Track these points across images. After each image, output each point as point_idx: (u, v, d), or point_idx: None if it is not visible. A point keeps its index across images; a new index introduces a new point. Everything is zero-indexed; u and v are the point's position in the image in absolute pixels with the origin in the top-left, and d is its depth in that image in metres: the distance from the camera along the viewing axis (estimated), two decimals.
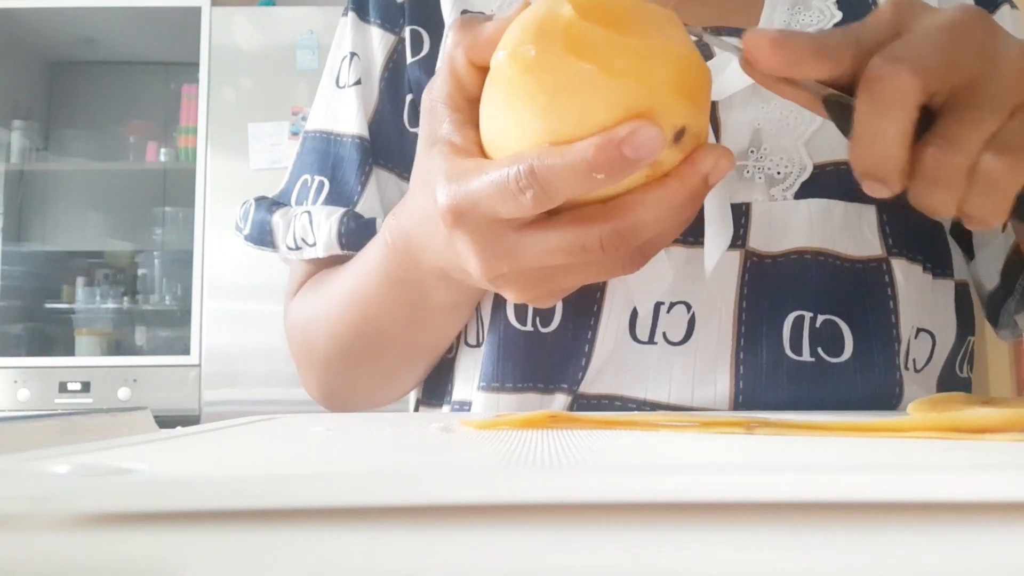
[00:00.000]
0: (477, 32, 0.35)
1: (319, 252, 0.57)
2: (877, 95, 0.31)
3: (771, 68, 0.32)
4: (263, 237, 0.60)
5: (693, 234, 0.49)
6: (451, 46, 0.36)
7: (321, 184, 0.59)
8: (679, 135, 0.32)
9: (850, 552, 0.15)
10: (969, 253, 0.58)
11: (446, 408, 0.57)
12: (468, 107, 0.37)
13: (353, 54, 0.61)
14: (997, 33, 0.32)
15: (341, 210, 0.57)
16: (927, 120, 0.32)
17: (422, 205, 0.41)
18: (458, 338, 0.56)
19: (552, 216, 0.34)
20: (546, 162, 0.31)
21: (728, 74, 0.46)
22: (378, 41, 0.61)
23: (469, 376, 0.54)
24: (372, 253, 0.50)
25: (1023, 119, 0.31)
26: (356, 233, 0.56)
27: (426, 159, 0.38)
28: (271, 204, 0.61)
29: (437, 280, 0.46)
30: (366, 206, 0.58)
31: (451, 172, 0.35)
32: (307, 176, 0.61)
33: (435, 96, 0.38)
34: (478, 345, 0.54)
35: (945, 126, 0.31)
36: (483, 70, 0.35)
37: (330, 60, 0.63)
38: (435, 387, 0.59)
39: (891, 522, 0.17)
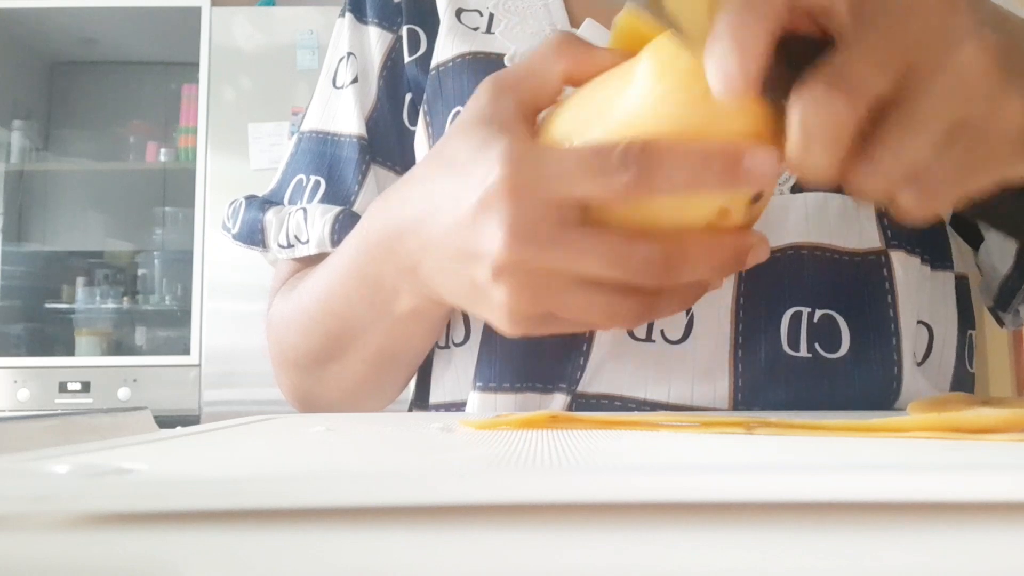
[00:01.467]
0: (586, 52, 0.35)
1: (311, 249, 0.57)
2: (810, 126, 0.29)
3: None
4: (253, 236, 0.59)
5: None
6: (551, 52, 0.36)
7: (317, 184, 0.59)
8: (757, 197, 0.33)
9: (850, 552, 0.15)
10: (973, 239, 0.57)
11: (435, 410, 0.56)
12: (534, 110, 0.37)
13: (350, 54, 0.61)
14: (959, 13, 0.30)
15: (337, 208, 0.57)
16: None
17: (443, 182, 0.38)
18: (447, 337, 0.55)
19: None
20: (662, 145, 0.31)
21: None
22: (376, 40, 0.61)
23: (460, 377, 0.54)
24: (346, 247, 0.49)
25: (949, 154, 0.30)
26: (349, 231, 0.55)
27: (474, 134, 0.36)
28: (262, 203, 0.60)
29: (402, 279, 0.43)
30: (363, 204, 0.58)
31: (520, 144, 0.34)
32: (302, 176, 0.60)
33: (504, 86, 0.37)
34: (465, 342, 0.53)
35: (874, 146, 0.29)
36: (561, 87, 0.36)
37: (327, 61, 0.64)
38: (428, 387, 0.58)
39: (891, 522, 0.17)
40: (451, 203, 0.36)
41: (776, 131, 0.30)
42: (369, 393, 0.56)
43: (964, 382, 0.54)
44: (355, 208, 0.57)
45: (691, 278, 0.34)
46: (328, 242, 0.56)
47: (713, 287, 0.37)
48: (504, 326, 0.37)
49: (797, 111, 0.29)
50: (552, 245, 0.33)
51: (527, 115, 0.36)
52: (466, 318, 0.54)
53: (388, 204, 0.43)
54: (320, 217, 0.56)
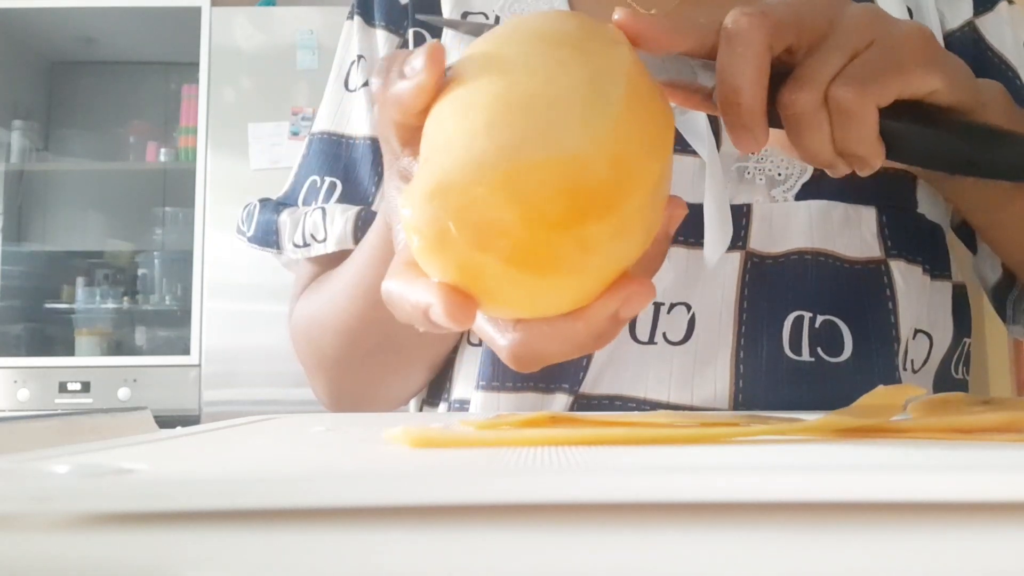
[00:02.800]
0: (397, 92, 0.31)
1: (329, 247, 0.57)
2: (731, 38, 0.33)
3: (640, 41, 0.33)
4: (267, 238, 0.60)
5: (693, 235, 0.49)
6: (381, 105, 0.33)
7: (333, 185, 0.59)
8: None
9: (850, 552, 0.15)
10: (973, 248, 0.58)
11: (443, 407, 0.57)
12: (415, 136, 0.33)
13: (361, 57, 0.61)
14: (843, 2, 0.35)
15: (357, 207, 0.57)
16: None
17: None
18: (461, 335, 0.56)
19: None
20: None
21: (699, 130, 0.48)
22: (383, 43, 0.61)
23: (468, 375, 0.54)
24: (373, 240, 0.50)
25: (865, 57, 0.34)
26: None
27: (387, 190, 0.37)
28: (276, 205, 0.61)
29: None
30: (381, 206, 0.58)
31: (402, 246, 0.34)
32: (315, 177, 0.60)
33: (384, 135, 0.35)
34: (479, 344, 0.54)
35: (796, 71, 0.34)
36: (421, 113, 0.32)
37: (336, 63, 0.64)
38: (437, 386, 0.58)
39: (891, 522, 0.17)
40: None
41: None
42: (409, 378, 0.58)
43: (948, 388, 0.55)
44: (373, 208, 0.58)
45: (561, 360, 0.32)
46: (351, 238, 0.56)
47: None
48: None
49: (721, 31, 0.33)
50: None
51: (412, 148, 0.34)
52: None
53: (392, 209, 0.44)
54: (340, 215, 0.56)
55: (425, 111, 0.30)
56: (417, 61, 0.30)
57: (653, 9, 0.56)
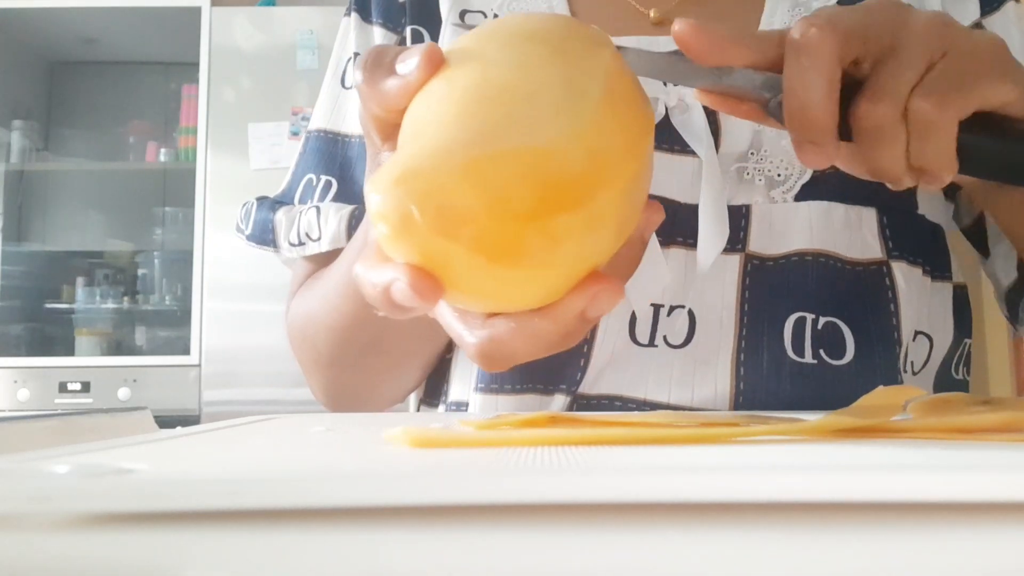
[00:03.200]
0: (382, 87, 0.31)
1: (323, 246, 0.57)
2: (799, 51, 0.32)
3: (700, 54, 0.33)
4: (265, 236, 0.60)
5: (693, 237, 0.49)
6: (360, 94, 0.33)
7: (328, 183, 0.59)
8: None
9: (850, 552, 0.15)
10: (985, 251, 0.57)
11: (441, 408, 0.57)
12: (395, 132, 0.33)
13: (357, 54, 0.61)
14: (907, 8, 0.34)
15: (351, 206, 0.57)
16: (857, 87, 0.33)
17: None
18: None
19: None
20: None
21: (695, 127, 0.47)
22: (380, 40, 0.61)
23: (466, 376, 0.54)
24: (364, 236, 0.49)
25: (942, 67, 0.33)
26: None
27: (367, 179, 0.36)
28: (273, 203, 0.61)
29: None
30: None
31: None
32: (312, 175, 0.60)
33: (366, 128, 0.36)
34: None
35: (872, 81, 0.33)
36: (401, 111, 0.32)
37: (333, 60, 0.63)
38: (434, 387, 0.58)
39: (891, 522, 0.17)
40: None
41: None
42: (404, 375, 0.58)
43: (948, 388, 0.55)
44: None
45: (529, 359, 0.31)
46: (344, 238, 0.56)
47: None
48: None
49: (788, 45, 0.32)
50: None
51: (392, 142, 0.34)
52: None
53: None
54: (335, 214, 0.56)
55: (402, 112, 0.30)
56: (412, 60, 0.30)
57: (652, 9, 0.56)
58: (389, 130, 0.32)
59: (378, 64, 0.31)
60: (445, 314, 0.31)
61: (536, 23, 0.30)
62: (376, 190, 0.27)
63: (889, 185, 0.35)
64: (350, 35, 0.62)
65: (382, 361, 0.55)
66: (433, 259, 0.27)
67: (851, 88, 0.33)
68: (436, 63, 0.29)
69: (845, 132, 0.33)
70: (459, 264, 0.26)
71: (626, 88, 0.29)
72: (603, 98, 0.28)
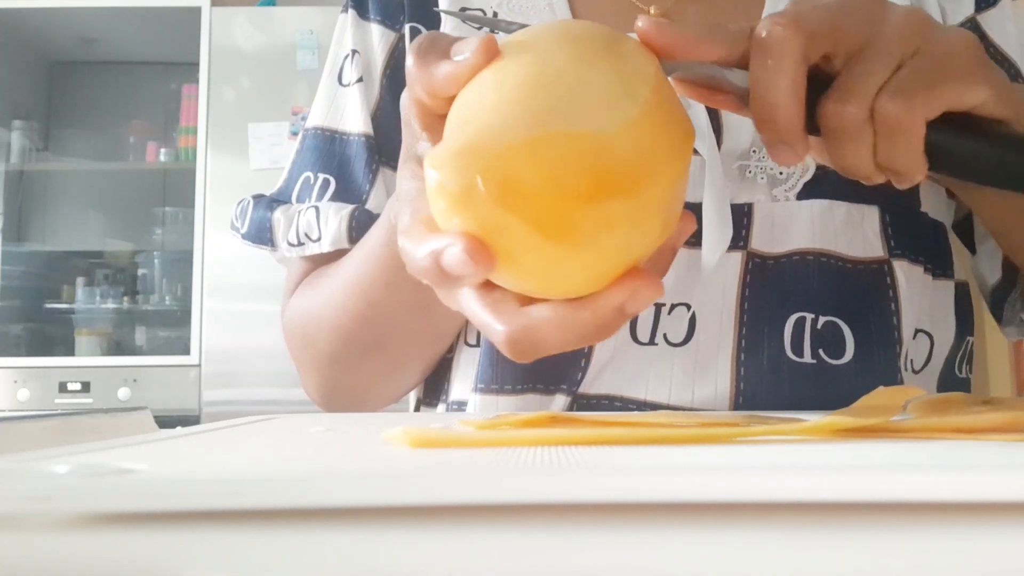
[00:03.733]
0: (436, 72, 0.31)
1: (324, 247, 0.56)
2: (764, 51, 0.31)
3: (664, 51, 0.32)
4: (261, 235, 0.59)
5: (694, 235, 0.49)
6: (410, 78, 0.33)
7: (327, 182, 0.59)
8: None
9: (850, 552, 0.15)
10: (972, 249, 0.58)
11: (441, 408, 0.57)
12: (437, 123, 0.34)
13: (354, 51, 0.61)
14: (883, 3, 0.34)
15: (351, 206, 0.57)
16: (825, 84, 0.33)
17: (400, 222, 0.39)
18: (459, 336, 0.56)
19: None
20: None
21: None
22: (378, 38, 0.61)
23: (467, 377, 0.54)
24: (376, 238, 0.49)
25: (912, 66, 0.32)
26: (367, 227, 0.55)
27: (400, 174, 0.37)
28: (270, 202, 0.60)
29: None
30: (375, 203, 0.58)
31: (413, 226, 0.33)
32: (309, 174, 0.60)
33: (407, 116, 0.36)
34: (477, 345, 0.54)
35: (839, 81, 0.32)
36: (447, 100, 0.32)
37: (331, 57, 0.63)
38: (434, 387, 0.58)
39: (891, 522, 0.17)
40: None
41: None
42: (401, 377, 0.58)
43: (952, 387, 0.55)
44: (367, 206, 0.57)
45: (560, 351, 0.31)
46: (345, 239, 0.56)
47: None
48: None
49: (753, 42, 0.32)
50: (457, 302, 0.33)
51: (434, 133, 0.34)
52: None
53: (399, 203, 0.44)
54: (335, 215, 0.56)
55: (453, 99, 0.31)
56: (468, 47, 0.30)
57: (652, 7, 0.56)
58: (432, 119, 0.33)
59: (431, 49, 0.32)
60: (473, 303, 0.31)
61: (583, 27, 0.31)
62: (436, 163, 0.28)
63: (864, 182, 0.35)
64: (347, 32, 0.62)
65: (383, 362, 0.55)
66: (490, 231, 0.27)
67: (822, 83, 0.33)
68: (492, 53, 0.30)
69: (815, 128, 0.33)
70: (514, 238, 0.27)
71: (670, 94, 0.30)
72: (652, 98, 0.29)
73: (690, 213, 0.32)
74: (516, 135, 0.27)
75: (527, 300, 0.31)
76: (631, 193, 0.28)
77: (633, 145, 0.28)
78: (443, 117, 0.33)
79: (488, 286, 0.31)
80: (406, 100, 0.35)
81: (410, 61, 0.32)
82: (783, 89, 0.31)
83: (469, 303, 0.32)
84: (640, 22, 0.32)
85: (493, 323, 0.31)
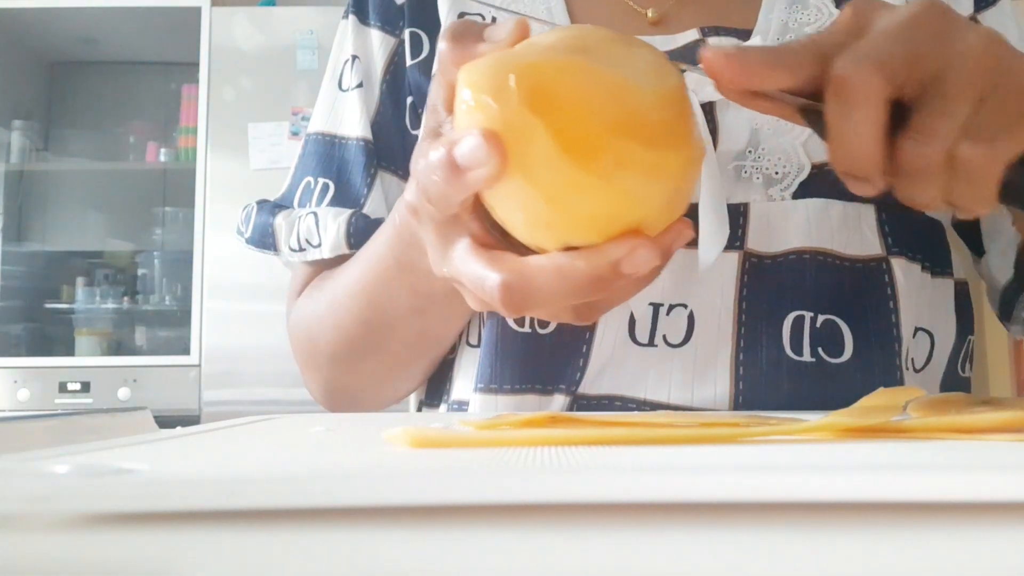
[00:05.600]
0: (469, 50, 0.33)
1: (324, 253, 0.57)
2: (844, 94, 0.30)
3: (732, 83, 0.32)
4: (264, 240, 0.60)
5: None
6: (443, 58, 0.34)
7: (326, 186, 0.59)
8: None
9: (850, 552, 0.15)
10: (978, 248, 0.57)
11: (443, 408, 0.57)
12: None
13: (355, 57, 0.61)
14: (956, 22, 0.33)
15: (349, 211, 0.57)
16: (902, 114, 0.32)
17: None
18: (460, 336, 0.56)
19: (492, 240, 0.33)
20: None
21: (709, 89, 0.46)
22: (378, 44, 0.61)
23: (468, 376, 0.54)
24: (380, 240, 0.50)
25: (993, 104, 0.31)
26: (365, 233, 0.55)
27: (416, 151, 0.37)
28: (273, 207, 0.61)
29: None
30: (373, 208, 0.58)
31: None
32: (310, 178, 0.60)
33: (434, 99, 0.36)
34: (479, 345, 0.54)
35: (919, 119, 0.31)
36: None
37: (331, 63, 0.64)
38: (437, 387, 0.58)
39: (891, 522, 0.17)
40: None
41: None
42: (402, 379, 0.58)
43: (955, 386, 0.54)
44: (365, 210, 0.57)
45: (552, 306, 0.32)
46: (344, 244, 0.56)
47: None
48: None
49: (831, 82, 0.30)
50: (448, 262, 0.34)
51: None
52: (481, 319, 0.54)
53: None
54: (333, 221, 0.56)
55: None
56: (502, 29, 0.31)
57: (650, 9, 0.56)
58: None
59: (466, 31, 0.32)
60: (467, 257, 0.32)
61: (611, 30, 0.33)
62: (470, 67, 0.29)
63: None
64: (347, 38, 0.62)
65: (382, 364, 0.56)
66: (513, 134, 0.28)
67: (893, 112, 0.31)
68: (526, 32, 0.31)
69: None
70: (535, 147, 0.28)
71: (689, 102, 0.32)
72: (680, 87, 0.31)
73: (688, 220, 0.32)
74: (556, 55, 0.29)
75: (524, 255, 0.31)
76: (651, 144, 0.28)
77: (660, 107, 0.29)
78: None
79: (484, 244, 0.32)
80: (434, 85, 0.35)
81: (443, 44, 0.33)
82: (865, 137, 0.31)
83: (463, 258, 0.32)
84: (706, 53, 0.31)
85: (488, 272, 0.31)
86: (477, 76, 0.29)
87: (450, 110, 0.34)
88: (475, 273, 0.32)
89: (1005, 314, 0.57)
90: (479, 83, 0.28)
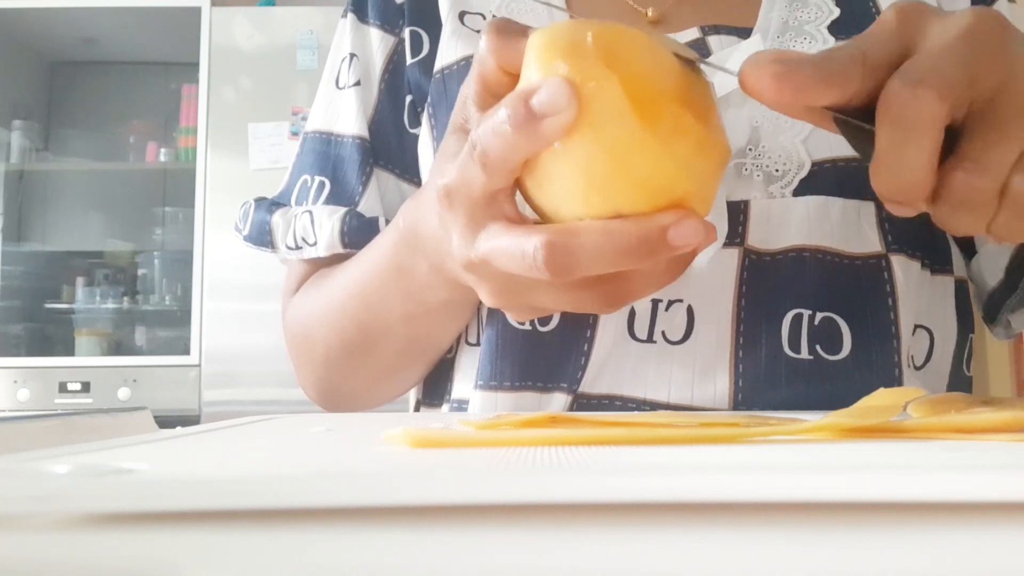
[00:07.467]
0: (512, 44, 0.33)
1: (320, 251, 0.57)
2: (900, 122, 0.29)
3: (775, 101, 0.30)
4: (262, 237, 0.60)
5: None
6: (484, 51, 0.34)
7: (322, 184, 0.59)
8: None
9: (850, 552, 0.15)
10: (969, 249, 0.57)
11: (445, 407, 0.57)
12: (494, 103, 0.35)
13: (353, 55, 0.61)
14: (1012, 35, 0.31)
15: (343, 209, 0.57)
16: (951, 136, 0.30)
17: (431, 186, 0.39)
18: (459, 337, 0.56)
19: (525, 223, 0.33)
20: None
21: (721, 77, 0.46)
22: (378, 42, 0.61)
23: (468, 375, 0.54)
24: (382, 240, 0.50)
25: None
26: (359, 231, 0.56)
27: (445, 144, 0.37)
28: (270, 204, 0.61)
29: (435, 272, 0.44)
30: (367, 206, 0.58)
31: (456, 155, 0.34)
32: (307, 176, 0.61)
33: (466, 93, 0.37)
34: (478, 344, 0.54)
35: (972, 148, 0.30)
36: (513, 76, 0.34)
37: (330, 61, 0.64)
38: (435, 386, 0.59)
39: (891, 522, 0.17)
40: (434, 204, 0.38)
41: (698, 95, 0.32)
42: (397, 381, 0.58)
43: (960, 386, 0.54)
44: (359, 209, 0.58)
45: (595, 270, 0.31)
46: (339, 243, 0.56)
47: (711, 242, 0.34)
48: (508, 314, 0.39)
49: (887, 107, 0.29)
50: (480, 244, 0.34)
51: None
52: (480, 319, 0.54)
53: (416, 204, 0.44)
54: (327, 219, 0.56)
55: (515, 82, 0.33)
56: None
57: (649, 8, 0.56)
58: (490, 98, 0.34)
59: (511, 26, 0.33)
60: (502, 232, 0.32)
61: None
62: (541, 30, 0.31)
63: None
64: (346, 36, 0.62)
65: (374, 367, 0.56)
66: (586, 87, 0.29)
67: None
68: None
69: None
70: (606, 101, 0.29)
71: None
72: (708, 82, 0.33)
73: (712, 225, 0.32)
74: (628, 32, 0.30)
75: None
76: (701, 119, 0.30)
77: (704, 90, 0.31)
78: (500, 99, 0.34)
79: (516, 222, 0.33)
80: (468, 82, 0.36)
81: (487, 37, 0.34)
82: (917, 166, 0.29)
83: (497, 234, 0.32)
84: (748, 68, 0.30)
85: (529, 236, 0.31)
86: (552, 36, 0.30)
87: (481, 105, 0.35)
88: (512, 242, 0.31)
89: (990, 316, 0.57)
90: (554, 41, 0.30)
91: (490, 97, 0.35)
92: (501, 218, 0.33)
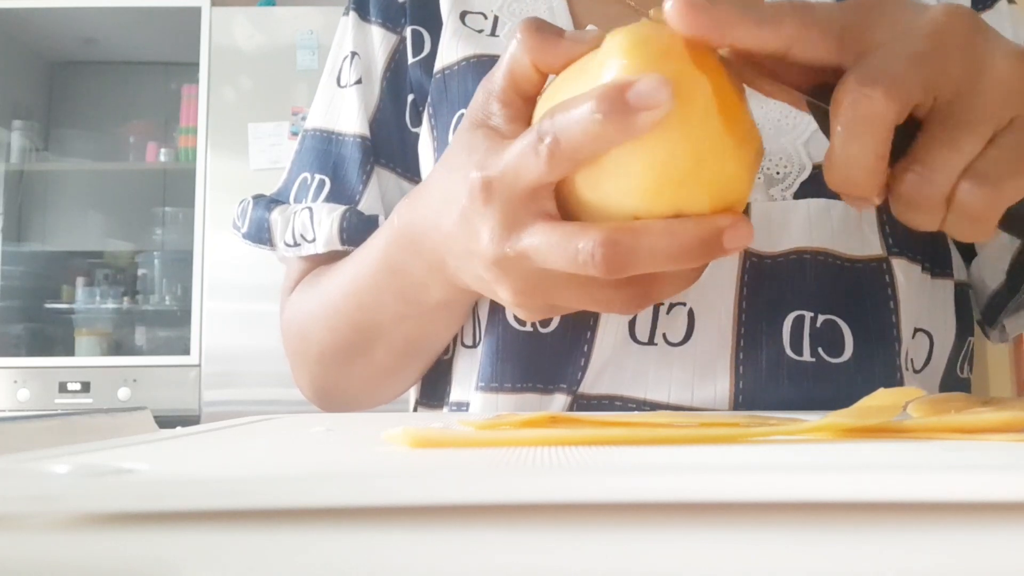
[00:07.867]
0: (550, 43, 0.33)
1: (319, 248, 0.57)
2: (849, 120, 0.29)
3: (693, 31, 0.30)
4: (260, 235, 0.60)
5: None
6: (517, 47, 0.34)
7: (322, 182, 0.59)
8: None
9: (850, 552, 0.15)
10: (969, 252, 0.57)
11: (445, 410, 0.57)
12: (522, 105, 0.36)
13: (354, 53, 0.61)
14: (983, 35, 0.31)
15: (343, 207, 0.57)
16: (911, 125, 0.31)
17: (445, 184, 0.39)
18: (454, 339, 0.56)
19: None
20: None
21: None
22: (379, 41, 0.61)
23: (466, 377, 0.54)
24: (376, 239, 0.50)
25: (1004, 143, 0.30)
26: (358, 229, 0.56)
27: (465, 139, 0.37)
28: (269, 202, 0.61)
29: (431, 273, 0.44)
30: (368, 204, 0.58)
31: (492, 149, 0.34)
32: (306, 174, 0.61)
33: (491, 89, 0.36)
34: (474, 346, 0.54)
35: (924, 150, 0.30)
36: (543, 75, 0.34)
37: (331, 59, 0.64)
38: (433, 388, 0.58)
39: (891, 522, 0.17)
40: (452, 205, 0.37)
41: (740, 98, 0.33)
42: (392, 383, 0.58)
43: (952, 388, 0.54)
44: (359, 207, 0.58)
45: (649, 269, 0.32)
46: (337, 240, 0.56)
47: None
48: (518, 314, 0.38)
49: (838, 104, 0.30)
50: (522, 238, 0.33)
51: (514, 110, 0.36)
52: (477, 321, 0.54)
53: (413, 203, 0.44)
54: (327, 216, 0.56)
55: (543, 81, 0.34)
56: (582, 33, 0.33)
57: (651, 11, 0.56)
58: (515, 95, 0.35)
59: (546, 26, 0.34)
60: (549, 228, 0.32)
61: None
62: (624, 32, 0.31)
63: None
64: (347, 34, 0.62)
65: (368, 368, 0.55)
66: (683, 82, 0.30)
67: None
68: (599, 43, 0.32)
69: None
70: (696, 100, 0.30)
71: None
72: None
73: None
74: (698, 38, 0.31)
75: None
76: (753, 136, 0.32)
77: (745, 99, 0.33)
78: (526, 99, 0.35)
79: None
80: (493, 79, 0.36)
81: (522, 35, 0.34)
82: (864, 165, 0.30)
83: (544, 230, 0.32)
84: (668, 4, 0.30)
85: (582, 233, 0.31)
86: (640, 36, 0.31)
87: (505, 103, 0.35)
88: (562, 239, 0.31)
89: (989, 319, 0.57)
90: (645, 41, 0.30)
91: (516, 94, 0.35)
92: (543, 214, 0.33)
